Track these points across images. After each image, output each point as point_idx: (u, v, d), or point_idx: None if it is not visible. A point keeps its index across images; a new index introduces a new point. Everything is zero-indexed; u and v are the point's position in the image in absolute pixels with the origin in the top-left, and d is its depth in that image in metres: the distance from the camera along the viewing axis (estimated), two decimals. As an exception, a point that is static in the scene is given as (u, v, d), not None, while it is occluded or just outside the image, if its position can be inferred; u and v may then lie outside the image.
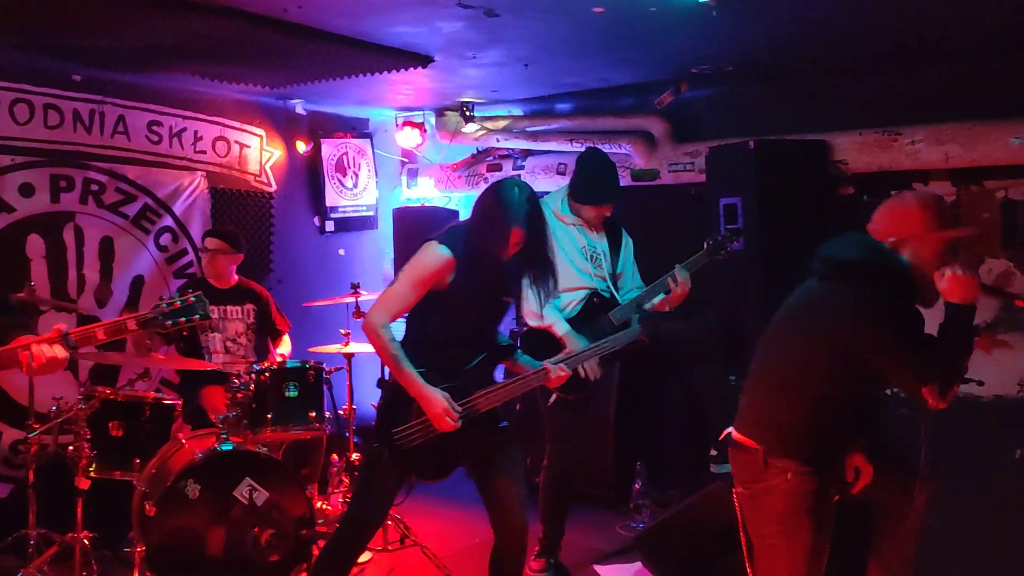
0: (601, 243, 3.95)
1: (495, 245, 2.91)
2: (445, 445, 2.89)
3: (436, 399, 2.83)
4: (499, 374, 3.14)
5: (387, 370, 2.96)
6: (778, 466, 2.40)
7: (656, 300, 3.78)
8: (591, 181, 3.90)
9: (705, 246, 3.78)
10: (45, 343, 2.38)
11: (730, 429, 2.61)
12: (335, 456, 4.60)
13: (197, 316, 2.56)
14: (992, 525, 3.90)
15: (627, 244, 4.07)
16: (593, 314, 3.81)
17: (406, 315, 3.00)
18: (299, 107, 5.70)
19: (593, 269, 3.89)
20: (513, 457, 3.07)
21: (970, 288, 2.31)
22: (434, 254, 2.88)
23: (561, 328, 3.70)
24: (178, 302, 2.55)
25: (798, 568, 2.37)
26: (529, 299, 3.78)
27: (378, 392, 3.09)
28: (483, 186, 5.89)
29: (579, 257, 3.87)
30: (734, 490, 2.57)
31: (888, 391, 4.21)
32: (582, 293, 3.82)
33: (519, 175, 5.71)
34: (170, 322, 2.55)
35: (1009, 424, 3.90)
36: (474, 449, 2.98)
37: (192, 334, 4.35)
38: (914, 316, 2.41)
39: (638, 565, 4.09)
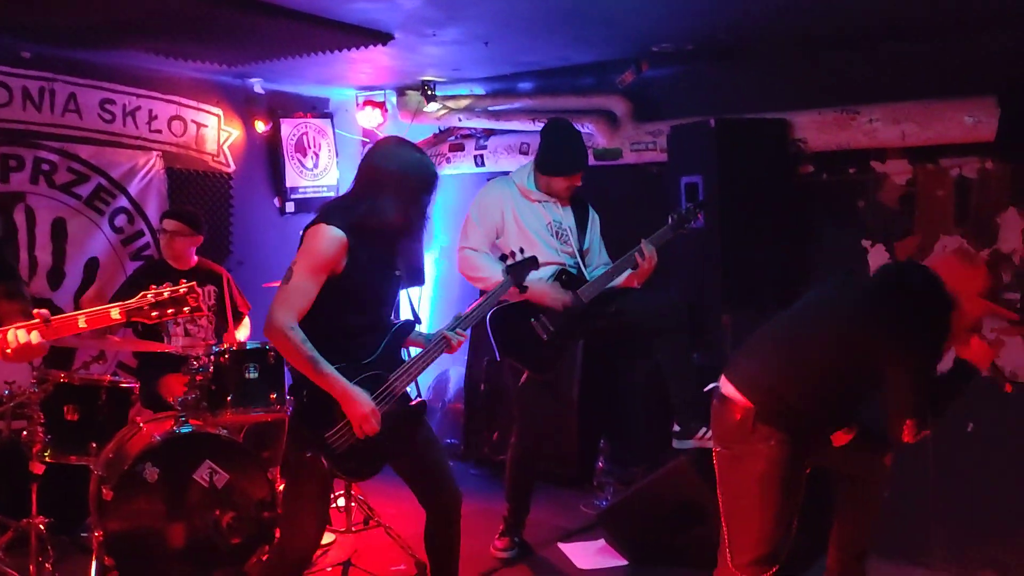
0: (568, 219, 3.95)
1: (395, 215, 2.73)
2: (374, 439, 2.73)
3: (362, 400, 2.66)
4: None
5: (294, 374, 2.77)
6: (764, 432, 2.49)
7: (624, 276, 3.80)
8: (559, 151, 3.89)
9: (669, 220, 3.79)
10: (23, 329, 2.28)
11: (716, 384, 2.66)
12: (297, 438, 4.56)
13: (186, 309, 2.46)
14: (945, 495, 3.99)
15: (594, 220, 4.07)
16: (564, 287, 3.81)
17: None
18: (257, 86, 5.60)
19: (560, 245, 3.89)
20: (430, 430, 3.01)
21: (988, 358, 2.65)
22: (326, 237, 2.65)
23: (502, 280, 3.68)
24: (166, 293, 2.45)
25: (769, 527, 2.47)
26: (473, 262, 3.78)
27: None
28: (446, 166, 5.91)
29: (546, 233, 3.87)
30: (714, 450, 2.63)
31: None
32: (551, 269, 3.81)
33: (482, 155, 5.69)
34: (156, 313, 2.45)
35: (963, 398, 3.98)
36: (397, 434, 2.82)
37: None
38: (937, 354, 2.61)
39: (601, 542, 4.13)
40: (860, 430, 2.89)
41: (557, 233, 3.91)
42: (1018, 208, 3.83)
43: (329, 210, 2.79)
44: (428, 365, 2.95)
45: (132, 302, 2.42)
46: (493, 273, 3.69)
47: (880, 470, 2.83)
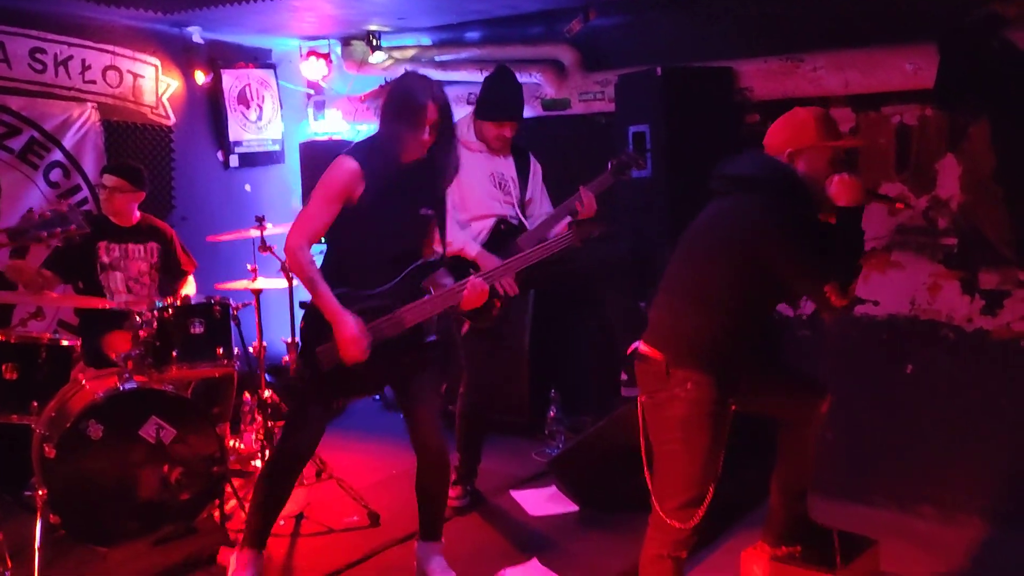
0: (509, 170, 3.93)
1: (401, 142, 2.84)
2: (369, 361, 2.85)
3: (348, 323, 2.78)
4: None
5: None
6: (680, 376, 2.50)
7: (564, 223, 3.80)
8: (492, 97, 3.87)
9: (609, 166, 3.79)
10: None
11: (637, 344, 2.68)
12: (247, 394, 4.53)
13: (73, 226, 2.48)
14: (884, 435, 4.12)
15: (535, 170, 4.06)
16: (502, 241, 3.80)
17: (326, 236, 2.95)
18: (196, 35, 5.42)
19: (502, 196, 3.87)
20: (431, 375, 3.07)
21: (856, 190, 2.52)
22: (341, 166, 2.83)
23: (473, 249, 3.68)
24: (49, 212, 2.46)
25: (695, 470, 2.49)
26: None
27: (288, 329, 3.06)
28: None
29: (488, 184, 3.85)
30: (639, 399, 2.65)
31: (792, 311, 4.37)
32: (492, 221, 3.80)
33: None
34: (45, 232, 2.45)
35: (901, 341, 4.09)
36: (397, 365, 2.95)
37: (91, 273, 4.18)
38: (814, 222, 2.56)
39: (552, 489, 4.19)
40: (793, 376, 2.95)
41: (499, 184, 3.89)
42: (956, 155, 3.90)
43: (356, 144, 2.96)
44: (441, 310, 2.98)
45: (16, 224, 2.44)
46: (457, 238, 3.68)
47: (816, 416, 2.88)
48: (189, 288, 4.48)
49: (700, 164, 4.18)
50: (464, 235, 3.72)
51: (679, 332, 2.56)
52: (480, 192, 3.81)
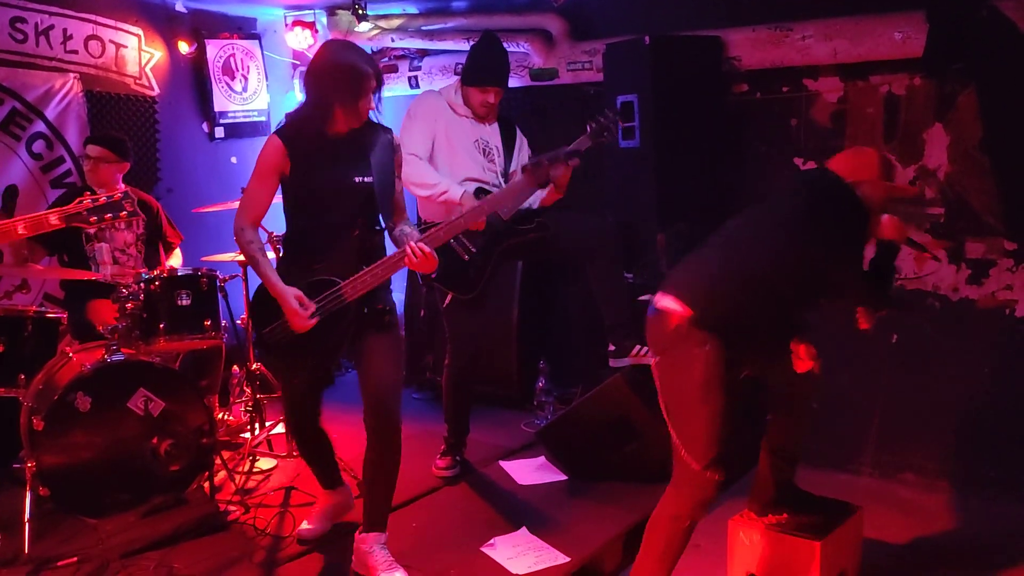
0: (494, 138, 3.92)
1: (334, 112, 2.85)
2: (319, 335, 2.88)
3: (288, 298, 2.83)
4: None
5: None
6: (698, 336, 2.55)
7: (545, 190, 3.80)
8: (476, 63, 3.86)
9: (588, 129, 3.77)
10: None
11: (650, 296, 2.73)
12: (235, 367, 4.53)
13: (124, 212, 2.54)
14: (870, 405, 4.16)
15: (521, 143, 4.05)
16: None
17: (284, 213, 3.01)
18: (179, 4, 5.34)
19: (485, 162, 3.87)
20: (388, 341, 3.03)
21: (901, 232, 2.82)
22: (267, 144, 2.88)
23: (456, 192, 3.68)
24: (103, 197, 2.51)
25: (715, 431, 2.55)
26: (419, 169, 3.70)
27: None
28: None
29: (472, 150, 3.84)
30: (652, 360, 2.69)
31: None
32: (473, 186, 3.79)
33: (416, 76, 5.57)
34: (95, 218, 2.51)
35: (887, 311, 4.11)
36: (347, 336, 2.96)
37: (76, 244, 4.15)
38: (864, 231, 2.77)
39: (541, 459, 4.22)
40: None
41: (484, 151, 3.88)
42: (944, 124, 3.91)
43: (284, 120, 2.96)
44: (386, 276, 2.95)
45: (70, 207, 2.47)
46: (441, 182, 3.69)
47: (813, 379, 2.91)
48: (176, 260, 4.45)
49: (688, 133, 4.22)
50: (448, 179, 3.72)
51: (711, 297, 2.62)
52: (464, 156, 3.80)
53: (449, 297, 3.88)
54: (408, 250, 2.87)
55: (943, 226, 3.96)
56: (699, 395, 2.55)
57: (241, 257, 4.16)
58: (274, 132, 2.91)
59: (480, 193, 3.77)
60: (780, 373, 2.86)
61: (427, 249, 2.89)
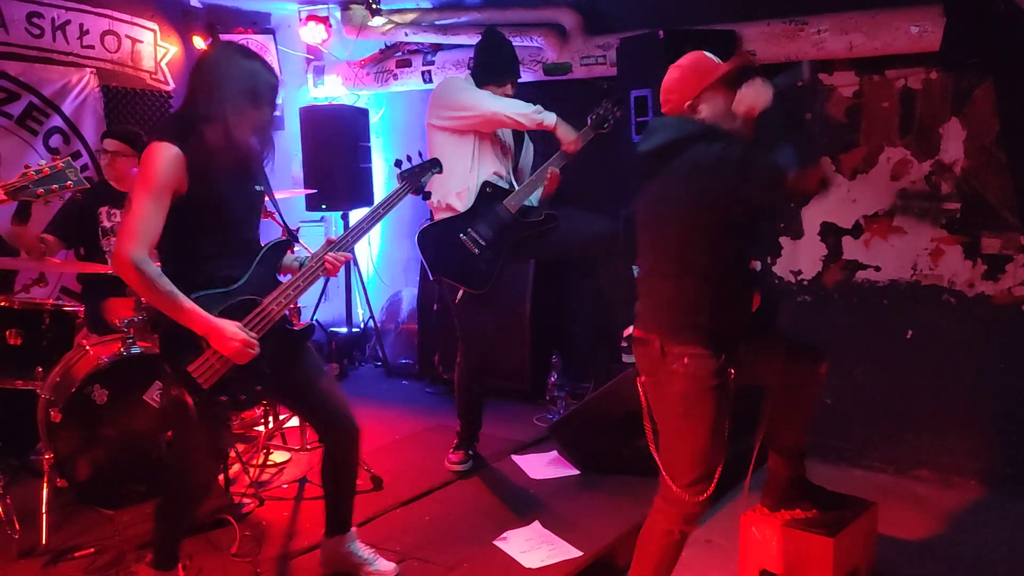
0: (507, 133, 3.93)
1: (239, 121, 2.50)
2: (248, 369, 2.53)
3: (230, 332, 2.45)
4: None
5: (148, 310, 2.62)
6: (675, 352, 2.48)
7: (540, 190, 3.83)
8: (491, 60, 3.86)
9: (589, 121, 3.75)
10: None
11: (631, 329, 2.68)
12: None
13: (70, 182, 2.43)
14: (883, 399, 4.15)
15: (527, 147, 4.07)
16: (487, 202, 3.82)
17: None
18: (194, -1, 5.40)
19: (503, 159, 3.89)
20: (316, 357, 2.86)
21: (763, 93, 2.43)
22: (161, 155, 2.42)
23: (550, 118, 3.77)
24: (47, 168, 2.41)
25: (701, 445, 2.47)
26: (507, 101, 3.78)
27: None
28: (393, 83, 5.78)
29: (496, 144, 3.86)
30: (638, 380, 2.65)
31: (793, 277, 4.36)
32: (479, 181, 3.82)
33: (430, 71, 5.57)
34: (41, 189, 2.41)
35: (902, 306, 4.10)
36: (276, 361, 2.63)
37: (92, 238, 4.18)
38: (745, 146, 2.41)
39: (553, 453, 4.23)
40: (789, 341, 2.91)
41: (503, 147, 3.91)
42: (960, 119, 3.88)
43: (161, 128, 2.62)
44: (307, 288, 2.76)
45: (13, 180, 2.40)
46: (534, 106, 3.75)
47: (815, 379, 2.88)
48: None
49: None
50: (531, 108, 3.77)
51: (663, 308, 2.54)
52: (490, 150, 3.85)
53: (461, 293, 3.89)
54: (327, 261, 2.73)
55: (959, 221, 3.93)
56: (683, 410, 2.48)
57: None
58: (161, 141, 2.45)
59: (486, 189, 3.79)
60: (770, 372, 2.80)
61: (343, 257, 2.77)
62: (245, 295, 2.58)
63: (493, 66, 3.85)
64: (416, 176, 3.07)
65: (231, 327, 2.46)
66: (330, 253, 2.74)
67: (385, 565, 3.00)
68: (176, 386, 2.55)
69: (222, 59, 2.56)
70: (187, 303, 2.41)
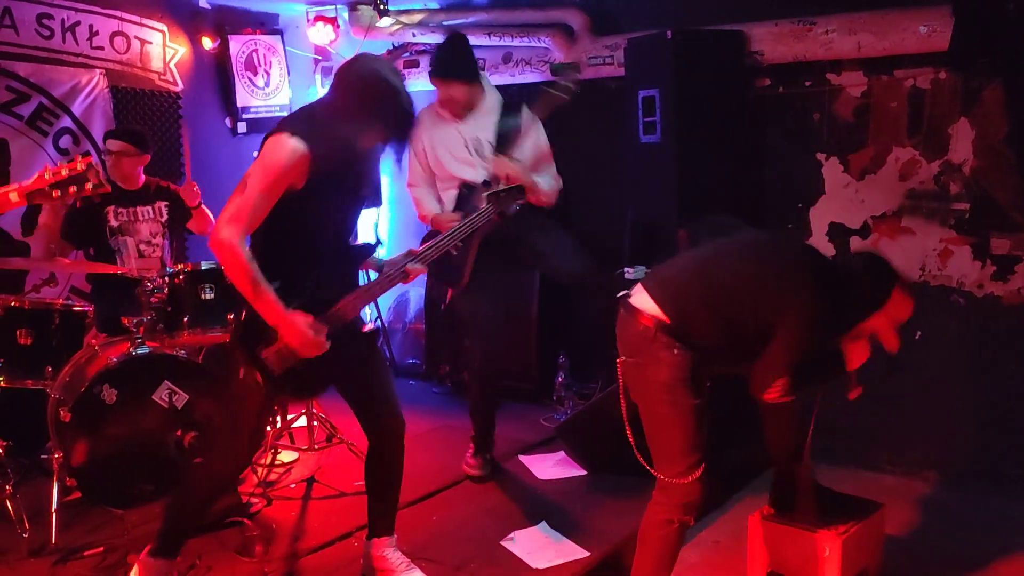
0: (485, 132, 3.84)
1: (370, 130, 2.57)
2: (313, 362, 2.58)
3: (298, 327, 2.49)
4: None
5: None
6: (665, 341, 2.50)
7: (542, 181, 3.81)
8: (435, 58, 3.89)
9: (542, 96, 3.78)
10: None
11: (627, 292, 2.66)
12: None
13: (89, 184, 2.43)
14: (893, 402, 4.13)
15: (528, 129, 3.97)
16: (465, 203, 3.82)
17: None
18: (203, 0, 5.40)
19: (479, 161, 3.81)
20: (381, 357, 2.97)
21: (861, 362, 2.70)
22: (288, 148, 2.45)
23: (432, 211, 3.86)
24: (64, 171, 2.40)
25: (690, 431, 2.50)
26: (418, 198, 3.86)
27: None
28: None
29: (463, 153, 3.82)
30: (618, 360, 2.64)
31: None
32: (457, 186, 3.85)
33: (437, 71, 5.57)
34: (58, 191, 2.40)
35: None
36: (341, 358, 2.68)
37: (100, 238, 4.20)
38: (827, 339, 2.62)
39: (561, 454, 4.23)
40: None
41: (476, 149, 3.82)
42: (969, 119, 3.87)
43: (293, 119, 2.60)
44: (382, 293, 2.88)
45: (30, 183, 2.39)
46: (430, 207, 3.85)
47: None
48: (205, 221, 4.42)
49: (710, 128, 4.20)
50: (431, 204, 3.88)
51: (684, 313, 2.53)
52: (452, 161, 3.83)
53: (449, 293, 3.93)
54: (408, 270, 2.85)
55: (968, 221, 3.92)
56: (669, 398, 2.49)
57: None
58: (292, 135, 2.47)
59: (463, 191, 3.81)
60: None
61: (421, 269, 2.92)
62: (325, 292, 2.62)
63: (432, 63, 3.86)
64: (503, 201, 3.26)
65: (301, 322, 2.49)
66: (410, 263, 2.84)
67: (416, 574, 2.99)
68: (247, 367, 2.61)
69: (368, 72, 2.56)
70: (267, 292, 2.45)
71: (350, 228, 2.86)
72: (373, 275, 2.90)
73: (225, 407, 2.87)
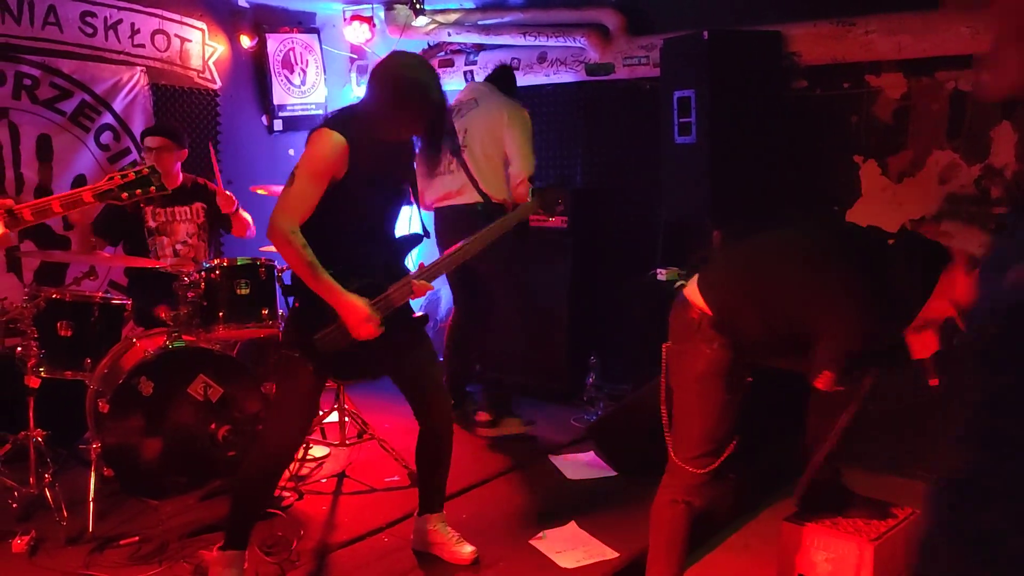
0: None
1: (401, 124, 2.75)
2: (366, 345, 2.76)
3: (357, 307, 2.67)
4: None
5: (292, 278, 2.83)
6: (708, 334, 2.55)
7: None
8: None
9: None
10: None
11: (684, 283, 2.73)
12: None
13: (153, 187, 2.58)
14: (926, 408, 4.07)
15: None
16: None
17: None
18: (242, -1, 5.48)
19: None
20: (430, 345, 3.09)
21: (929, 353, 2.58)
22: (328, 142, 2.67)
23: None
24: (132, 173, 2.55)
25: (710, 425, 2.57)
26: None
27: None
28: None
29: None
30: (664, 345, 2.71)
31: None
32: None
33: (472, 71, 5.60)
34: (126, 193, 2.55)
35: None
36: (393, 344, 2.85)
37: (139, 234, 4.26)
38: (883, 328, 2.53)
39: (590, 454, 4.22)
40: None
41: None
42: (1012, 122, 3.80)
43: (334, 117, 2.81)
44: (435, 278, 2.98)
45: (100, 184, 2.54)
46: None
47: (862, 386, 2.86)
48: (243, 226, 4.47)
49: (745, 130, 4.17)
50: None
51: (729, 307, 2.56)
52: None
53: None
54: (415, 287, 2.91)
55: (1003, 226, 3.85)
56: (697, 389, 2.56)
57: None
58: (332, 129, 2.69)
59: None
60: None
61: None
62: (373, 279, 2.79)
63: None
64: (549, 198, 3.42)
65: (361, 304, 2.68)
66: (415, 279, 2.90)
67: (467, 547, 3.15)
68: (300, 349, 2.76)
69: (400, 68, 2.75)
70: (326, 277, 2.64)
71: (392, 218, 2.98)
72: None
73: (277, 391, 2.99)
